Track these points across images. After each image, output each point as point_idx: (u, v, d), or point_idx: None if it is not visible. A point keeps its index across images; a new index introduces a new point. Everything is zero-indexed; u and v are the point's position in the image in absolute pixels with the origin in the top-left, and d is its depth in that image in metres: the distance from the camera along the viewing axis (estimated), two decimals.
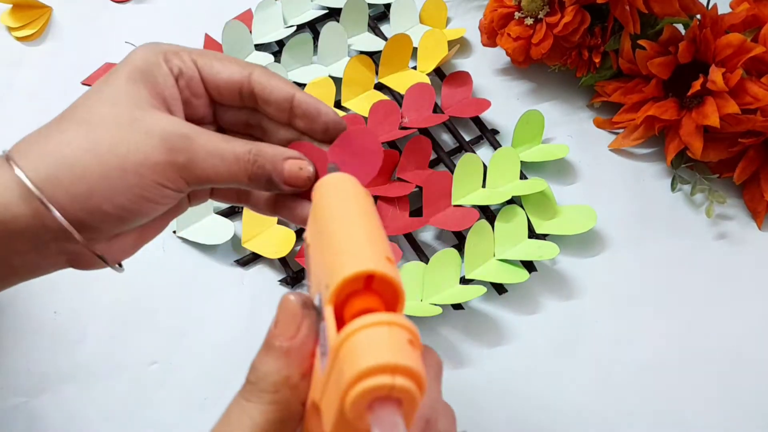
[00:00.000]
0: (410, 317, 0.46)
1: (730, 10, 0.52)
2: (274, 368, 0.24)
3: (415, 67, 0.58)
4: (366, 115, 0.53)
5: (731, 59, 0.49)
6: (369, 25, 0.60)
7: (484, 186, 0.51)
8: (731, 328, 0.47)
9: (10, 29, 0.59)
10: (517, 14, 0.54)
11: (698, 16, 0.51)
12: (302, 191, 0.31)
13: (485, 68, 0.59)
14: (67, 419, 0.43)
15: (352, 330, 0.21)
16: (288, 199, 0.32)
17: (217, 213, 0.51)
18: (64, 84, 0.57)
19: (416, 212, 0.50)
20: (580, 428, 0.44)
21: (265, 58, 0.57)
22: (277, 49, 0.59)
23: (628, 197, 0.53)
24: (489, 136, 0.55)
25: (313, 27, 0.60)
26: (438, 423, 0.26)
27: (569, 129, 0.56)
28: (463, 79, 0.57)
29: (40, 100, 0.56)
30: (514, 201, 0.51)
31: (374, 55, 0.57)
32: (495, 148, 0.54)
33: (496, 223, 0.49)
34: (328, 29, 0.57)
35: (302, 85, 0.55)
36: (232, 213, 0.51)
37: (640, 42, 0.52)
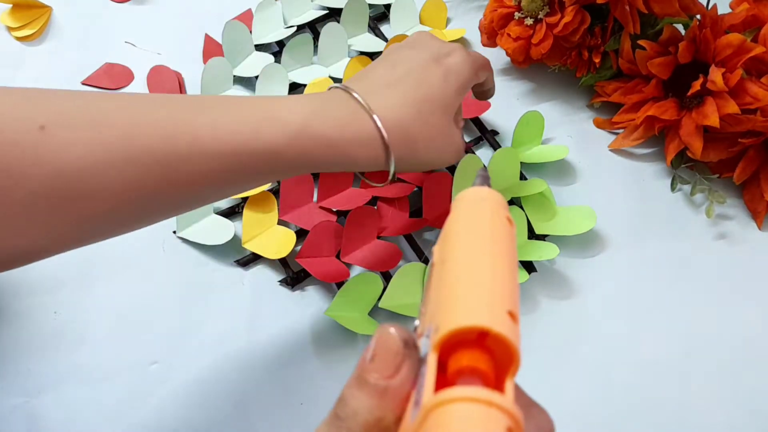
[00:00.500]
0: (411, 318, 0.46)
1: (730, 10, 0.52)
2: (366, 406, 0.22)
3: None
4: None
5: (731, 59, 0.49)
6: (369, 25, 0.60)
7: None
8: (731, 328, 0.47)
9: (10, 29, 0.59)
10: (517, 14, 0.54)
11: (698, 16, 0.51)
12: None
13: None
14: (67, 419, 0.43)
15: (447, 399, 0.19)
16: None
17: (217, 213, 0.51)
18: (64, 84, 0.57)
19: (416, 212, 0.51)
20: (580, 428, 0.44)
21: (265, 59, 0.57)
22: (277, 49, 0.59)
23: (628, 197, 0.53)
24: (489, 136, 0.55)
25: (313, 27, 0.60)
26: None
27: (569, 129, 0.56)
28: None
29: None
30: (513, 202, 0.51)
31: (374, 56, 0.57)
32: (495, 149, 0.54)
33: None
34: (328, 30, 0.57)
35: (302, 86, 0.55)
36: (232, 213, 0.51)
37: (640, 42, 0.52)
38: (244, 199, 0.50)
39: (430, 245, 0.51)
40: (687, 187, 0.53)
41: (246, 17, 0.60)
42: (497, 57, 0.59)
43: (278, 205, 0.50)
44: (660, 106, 0.51)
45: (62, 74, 0.58)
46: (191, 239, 0.49)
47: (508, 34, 0.55)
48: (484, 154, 0.54)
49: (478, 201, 0.25)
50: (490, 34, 0.57)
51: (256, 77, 0.55)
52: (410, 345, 0.23)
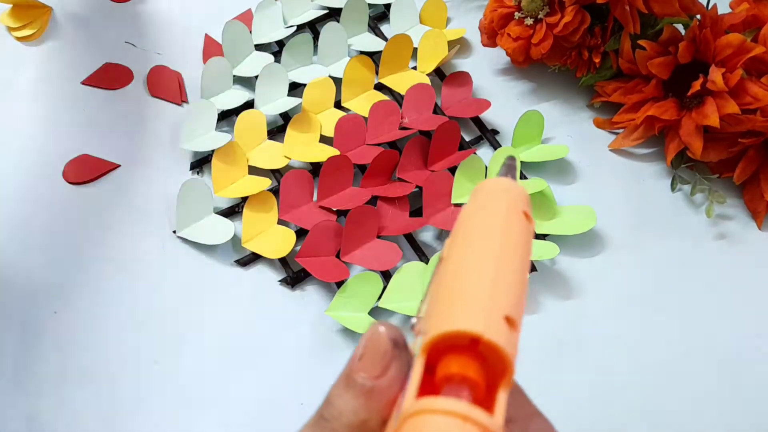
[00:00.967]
0: (411, 317, 0.46)
1: (730, 10, 0.52)
2: (351, 407, 0.21)
3: (415, 68, 0.58)
4: (366, 115, 0.53)
5: (731, 59, 0.49)
6: (369, 25, 0.60)
7: None
8: (731, 327, 0.47)
9: (10, 29, 0.59)
10: (517, 14, 0.54)
11: (698, 16, 0.51)
12: None
13: (485, 68, 0.59)
14: (67, 419, 0.43)
15: (424, 409, 0.18)
16: None
17: (217, 213, 0.51)
18: (64, 84, 0.57)
19: (416, 212, 0.50)
20: (580, 428, 0.44)
21: (265, 59, 0.57)
22: (277, 49, 0.59)
23: (628, 197, 0.53)
24: (489, 136, 0.55)
25: (313, 27, 0.60)
26: None
27: (569, 129, 0.56)
28: (463, 79, 0.57)
29: (40, 100, 0.56)
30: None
31: (374, 56, 0.57)
32: (495, 148, 0.54)
33: None
34: (328, 29, 0.57)
35: (302, 86, 0.55)
36: (232, 213, 0.51)
37: (640, 42, 0.52)
38: (244, 199, 0.50)
39: (431, 245, 0.51)
40: (687, 187, 0.53)
41: (246, 17, 0.60)
42: (497, 57, 0.59)
43: (278, 205, 0.50)
44: (660, 106, 0.51)
45: (62, 74, 0.58)
46: (191, 239, 0.49)
47: (508, 34, 0.55)
48: (484, 153, 0.54)
49: (496, 192, 0.23)
50: (490, 34, 0.57)
51: (256, 77, 0.55)
52: (400, 345, 0.22)
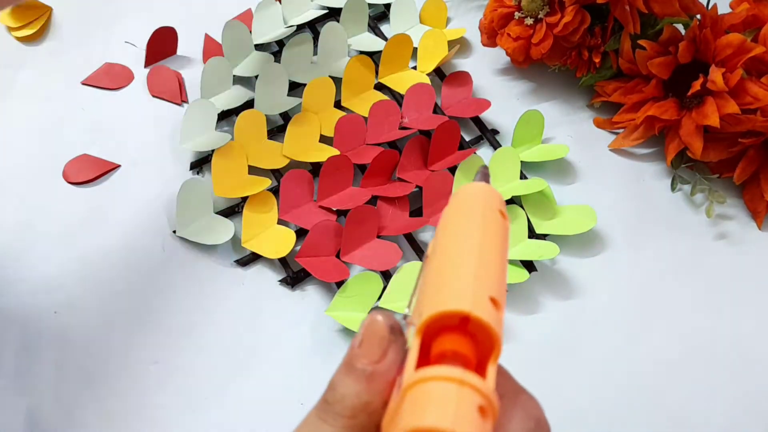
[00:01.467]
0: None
1: (730, 10, 0.52)
2: (353, 391, 0.23)
3: (415, 67, 0.58)
4: (366, 115, 0.53)
5: (731, 59, 0.49)
6: (369, 25, 0.60)
7: None
8: (731, 327, 0.47)
9: (10, 29, 0.59)
10: (517, 14, 0.54)
11: (698, 16, 0.51)
12: None
13: (485, 68, 0.59)
14: (67, 419, 0.43)
15: (423, 378, 0.20)
16: None
17: (217, 213, 0.51)
18: (64, 84, 0.57)
19: (416, 212, 0.50)
20: (580, 428, 0.44)
21: (265, 58, 0.57)
22: (277, 49, 0.59)
23: (628, 197, 0.53)
24: (489, 136, 0.55)
25: (313, 27, 0.60)
26: None
27: (569, 129, 0.56)
28: (463, 79, 0.57)
29: (40, 100, 0.56)
30: (514, 201, 0.51)
31: (374, 55, 0.57)
32: (495, 148, 0.54)
33: None
34: (328, 29, 0.57)
35: (302, 86, 0.55)
36: (232, 213, 0.51)
37: (640, 42, 0.52)
38: (244, 199, 0.50)
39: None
40: (687, 187, 0.53)
41: (246, 17, 0.60)
42: (497, 57, 0.59)
43: (278, 205, 0.50)
44: (660, 106, 0.51)
45: (62, 74, 0.58)
46: (191, 239, 0.49)
47: (508, 34, 0.55)
48: (484, 153, 0.54)
49: (472, 195, 0.25)
50: (490, 34, 0.57)
51: (256, 77, 0.55)
52: (396, 331, 0.23)
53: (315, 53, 0.58)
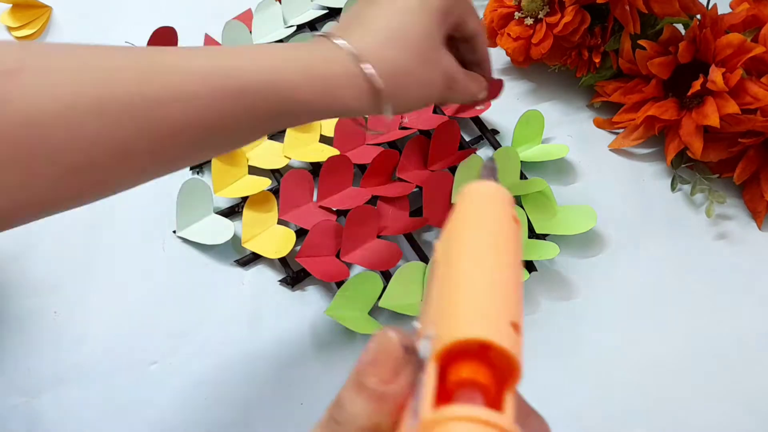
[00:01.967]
0: (411, 317, 0.46)
1: (730, 10, 0.52)
2: (363, 411, 0.21)
3: None
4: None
5: (731, 59, 0.49)
6: None
7: None
8: (731, 327, 0.47)
9: (10, 29, 0.59)
10: (517, 14, 0.54)
11: (698, 16, 0.51)
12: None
13: None
14: (67, 419, 0.43)
15: (446, 417, 0.19)
16: None
17: (217, 213, 0.51)
18: None
19: (416, 212, 0.50)
20: (580, 428, 0.44)
21: None
22: None
23: (628, 197, 0.53)
24: (489, 136, 0.55)
25: (313, 27, 0.60)
26: None
27: (569, 129, 0.56)
28: None
29: None
30: (514, 200, 0.51)
31: None
32: (495, 148, 0.54)
33: None
34: (328, 29, 0.57)
35: None
36: (232, 213, 0.51)
37: (640, 42, 0.52)
38: (244, 199, 0.50)
39: (431, 245, 0.51)
40: (687, 187, 0.53)
41: (246, 17, 0.60)
42: (497, 57, 0.59)
43: (278, 205, 0.50)
44: (660, 106, 0.51)
45: None
46: (191, 239, 0.49)
47: (508, 34, 0.55)
48: (484, 153, 0.54)
49: (484, 197, 0.24)
50: (490, 34, 0.57)
51: None
52: (410, 351, 0.22)
53: None
